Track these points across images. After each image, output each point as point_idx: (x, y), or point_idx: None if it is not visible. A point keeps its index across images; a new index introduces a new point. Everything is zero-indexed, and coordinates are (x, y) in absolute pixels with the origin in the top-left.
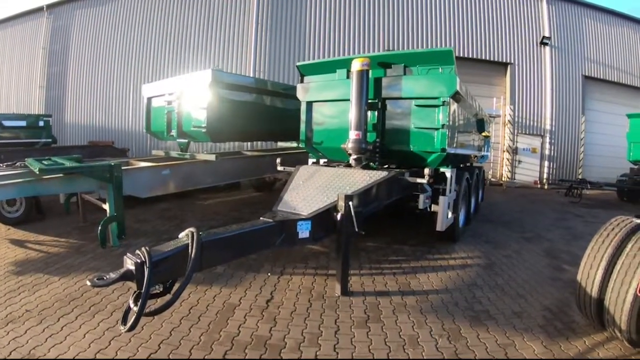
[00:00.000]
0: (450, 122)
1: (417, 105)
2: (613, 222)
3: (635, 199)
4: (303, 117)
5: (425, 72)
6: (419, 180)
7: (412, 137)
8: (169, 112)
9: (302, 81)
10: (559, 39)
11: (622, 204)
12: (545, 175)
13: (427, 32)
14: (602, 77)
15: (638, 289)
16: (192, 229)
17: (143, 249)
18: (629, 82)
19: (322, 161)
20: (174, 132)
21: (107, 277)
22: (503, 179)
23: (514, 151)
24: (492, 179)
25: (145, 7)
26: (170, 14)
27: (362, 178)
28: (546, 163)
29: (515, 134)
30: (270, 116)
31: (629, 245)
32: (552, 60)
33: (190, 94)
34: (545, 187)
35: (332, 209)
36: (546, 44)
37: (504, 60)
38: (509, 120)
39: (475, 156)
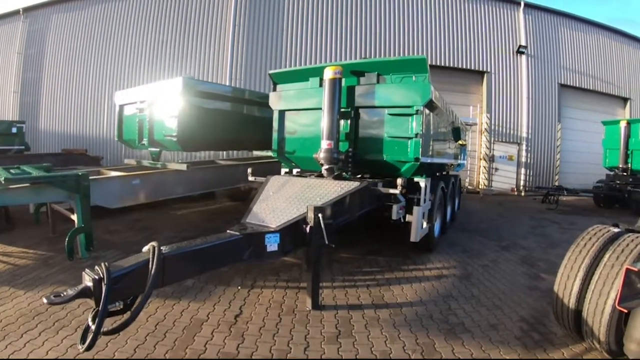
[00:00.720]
0: (424, 131)
1: (390, 114)
2: (590, 232)
3: (611, 205)
4: (275, 126)
5: (398, 81)
6: (391, 190)
7: (385, 147)
8: (140, 120)
9: (274, 89)
10: (535, 47)
11: (599, 210)
12: (522, 183)
13: (404, 40)
14: (577, 85)
15: (617, 301)
16: (153, 243)
17: (102, 264)
18: (604, 90)
19: (295, 171)
20: (145, 141)
21: (65, 294)
22: (480, 187)
23: (491, 159)
24: (469, 187)
25: (122, 13)
26: (146, 21)
27: (333, 189)
28: (523, 170)
29: (492, 141)
30: (244, 125)
31: (607, 255)
32: (528, 68)
33: (161, 102)
34: (522, 194)
35: (302, 220)
36: (522, 52)
37: (481, 69)
38: (485, 129)
39: (451, 165)
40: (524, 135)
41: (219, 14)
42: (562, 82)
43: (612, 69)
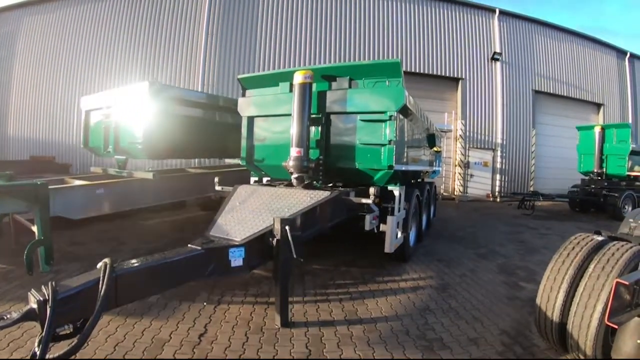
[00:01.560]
0: (398, 138)
1: (362, 120)
2: (573, 241)
3: (587, 209)
4: (244, 132)
5: (371, 86)
6: (364, 200)
7: (357, 154)
8: (106, 127)
9: (243, 95)
10: (510, 54)
11: (575, 215)
12: (497, 189)
13: (379, 46)
14: (551, 91)
15: (607, 317)
16: (106, 260)
17: (49, 284)
18: (578, 96)
19: (265, 180)
20: (110, 148)
21: (8, 316)
22: (455, 193)
23: (466, 165)
24: (445, 194)
25: (93, 17)
26: (118, 25)
27: (302, 199)
28: (498, 176)
29: (467, 148)
30: (214, 132)
31: (591, 266)
32: (503, 75)
33: (126, 108)
34: (498, 200)
35: (268, 233)
36: (497, 59)
37: (456, 76)
38: (460, 135)
39: (426, 172)
40: (499, 141)
41: (192, 18)
42: (537, 89)
43: (585, 76)
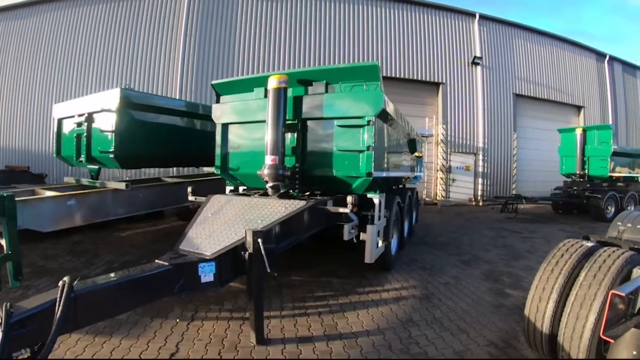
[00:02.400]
0: (377, 144)
1: (340, 126)
2: (562, 247)
3: (569, 211)
4: (218, 140)
5: (348, 90)
6: (341, 209)
7: (335, 161)
8: (78, 135)
9: (218, 101)
10: (490, 58)
11: (558, 217)
12: (479, 193)
13: (359, 51)
14: (532, 94)
15: (602, 331)
16: (65, 279)
17: (3, 305)
18: (559, 99)
19: (241, 189)
20: (82, 158)
21: None
22: (438, 198)
23: (448, 170)
24: (427, 199)
25: (70, 23)
26: (95, 32)
27: (276, 209)
28: (480, 180)
29: (449, 152)
30: (190, 140)
31: (582, 274)
32: (484, 79)
33: (98, 116)
34: (480, 204)
35: (241, 246)
36: (477, 63)
37: (436, 80)
38: (441, 140)
39: (408, 178)
40: (481, 145)
41: (170, 25)
42: (517, 92)
43: (565, 79)
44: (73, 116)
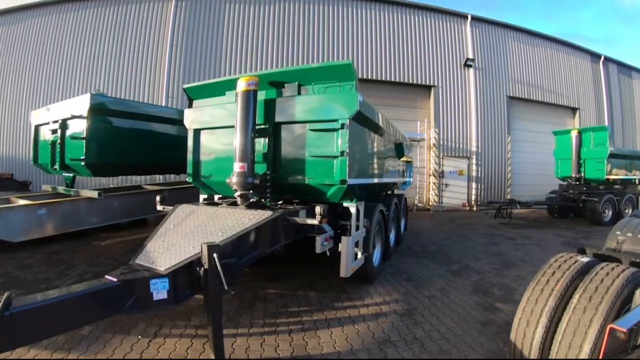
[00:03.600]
0: (353, 149)
1: (312, 130)
2: (553, 264)
3: (565, 215)
4: (190, 146)
5: (322, 91)
6: (309, 220)
7: (308, 168)
8: (52, 142)
9: (190, 106)
10: (483, 60)
11: (553, 221)
12: (473, 197)
13: (349, 53)
14: (526, 96)
15: None
16: (7, 294)
17: None
18: (553, 101)
19: (217, 197)
20: (57, 165)
21: None
22: (430, 204)
23: (441, 174)
24: (419, 204)
25: (57, 29)
26: (82, 36)
27: (241, 220)
28: (474, 185)
29: (441, 157)
30: (167, 147)
31: (576, 296)
32: (477, 81)
33: (70, 122)
34: (474, 209)
35: (196, 261)
36: (470, 65)
37: (428, 83)
38: (434, 144)
39: (395, 184)
40: (474, 149)
41: (157, 32)
42: (511, 95)
43: (560, 80)
44: (48, 123)
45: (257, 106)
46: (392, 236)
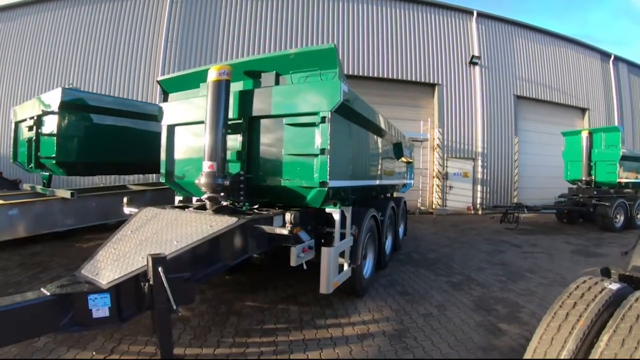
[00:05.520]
0: (337, 146)
1: (289, 125)
2: (574, 292)
3: (575, 220)
4: (163, 144)
5: (302, 81)
6: (278, 230)
7: (284, 168)
8: (29, 140)
9: (165, 100)
10: (489, 58)
11: (562, 227)
12: (479, 200)
13: (349, 50)
14: (534, 96)
15: None
16: None
17: None
18: (562, 101)
19: (194, 200)
20: (33, 164)
21: None
22: (434, 207)
23: (444, 176)
24: (422, 208)
25: (52, 23)
26: (77, 31)
27: (201, 228)
28: (479, 187)
29: (445, 158)
30: (146, 144)
31: (604, 338)
32: (482, 80)
33: (44, 119)
34: (480, 212)
35: (142, 275)
36: (476, 63)
37: (431, 81)
38: (437, 144)
39: (392, 186)
40: (479, 150)
41: (152, 26)
42: (518, 94)
43: (569, 79)
44: (25, 119)
45: (229, 98)
46: (388, 243)
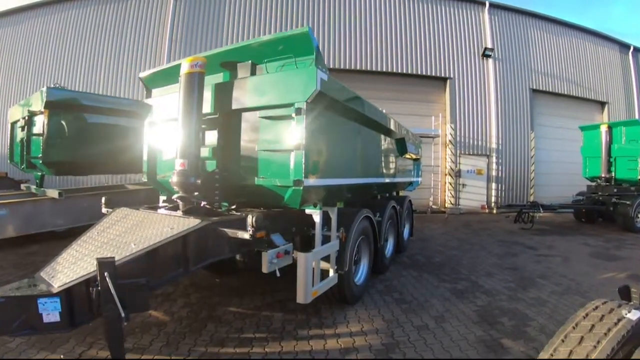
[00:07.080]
0: (317, 141)
1: (263, 118)
2: (581, 322)
3: (594, 219)
4: (145, 141)
5: (279, 70)
6: (240, 234)
7: (259, 165)
8: (21, 140)
9: (149, 96)
10: (503, 50)
11: (580, 227)
12: (493, 199)
13: (358, 43)
14: (551, 89)
15: None
16: None
17: None
18: (580, 94)
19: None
20: (25, 164)
21: None
22: (446, 206)
23: (457, 174)
24: (434, 207)
25: (59, 23)
26: (82, 32)
27: (162, 230)
28: (494, 185)
29: (458, 154)
30: (136, 144)
31: None
32: (496, 73)
33: (33, 119)
34: (494, 211)
35: (92, 280)
36: (489, 55)
37: (443, 75)
38: (450, 140)
39: (395, 185)
40: (494, 146)
41: (156, 26)
42: (534, 87)
43: (587, 72)
44: (19, 120)
45: (203, 92)
46: (389, 245)
